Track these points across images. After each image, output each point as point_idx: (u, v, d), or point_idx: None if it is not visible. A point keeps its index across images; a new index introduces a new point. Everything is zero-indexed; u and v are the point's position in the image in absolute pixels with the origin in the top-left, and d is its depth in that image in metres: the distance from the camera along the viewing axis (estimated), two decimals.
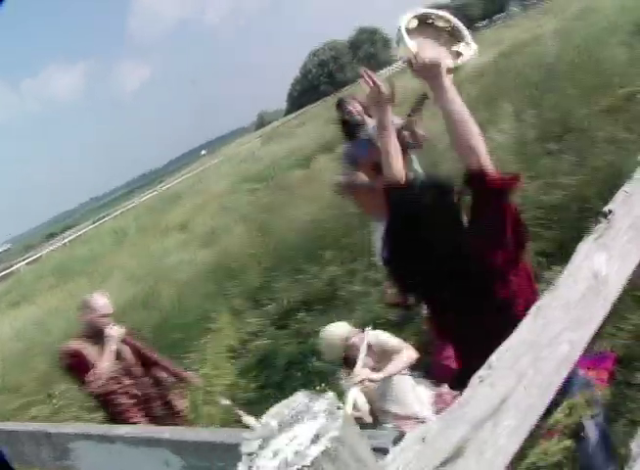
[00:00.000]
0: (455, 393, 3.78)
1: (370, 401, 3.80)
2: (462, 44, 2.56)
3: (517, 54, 13.25)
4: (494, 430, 0.95)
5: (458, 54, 2.54)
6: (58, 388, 6.82)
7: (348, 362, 3.84)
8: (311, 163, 14.36)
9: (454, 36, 2.59)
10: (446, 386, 3.69)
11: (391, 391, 3.69)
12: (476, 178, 2.28)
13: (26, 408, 6.93)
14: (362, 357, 3.70)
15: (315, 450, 0.73)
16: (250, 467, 0.75)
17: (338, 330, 3.99)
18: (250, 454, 0.77)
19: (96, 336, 4.14)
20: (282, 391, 5.08)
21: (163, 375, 4.38)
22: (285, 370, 5.55)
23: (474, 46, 2.55)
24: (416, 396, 3.72)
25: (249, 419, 3.95)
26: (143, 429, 1.65)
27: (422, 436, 0.88)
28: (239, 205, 14.69)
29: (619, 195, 1.51)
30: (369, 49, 67.15)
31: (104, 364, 4.05)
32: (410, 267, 2.45)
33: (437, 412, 3.54)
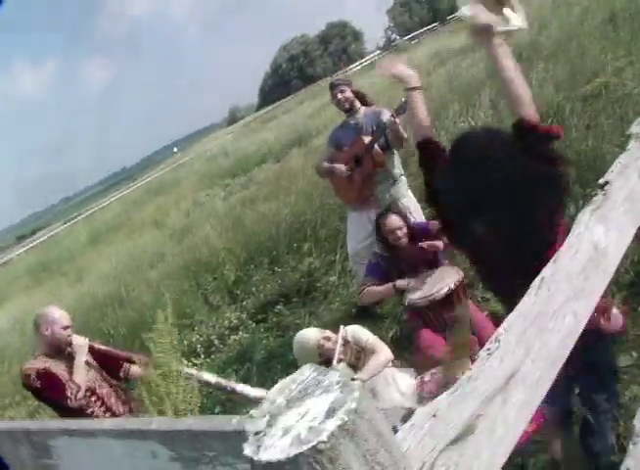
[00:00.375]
0: (438, 380, 3.78)
1: None
2: (510, 10, 2.78)
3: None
4: (504, 406, 0.91)
5: (507, 19, 2.75)
6: None
7: (325, 365, 3.78)
8: (284, 157, 14.32)
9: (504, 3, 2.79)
10: (428, 374, 3.66)
11: (372, 387, 3.65)
12: (525, 125, 2.59)
13: (3, 410, 6.83)
14: (337, 356, 3.66)
15: (331, 425, 0.67)
16: (258, 447, 0.69)
17: (309, 334, 3.91)
18: (257, 433, 0.71)
19: (58, 351, 3.97)
20: (263, 385, 5.03)
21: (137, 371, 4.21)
22: (265, 364, 5.50)
23: (522, 14, 2.78)
24: (397, 387, 3.69)
25: (204, 374, 3.90)
26: (128, 421, 1.58)
27: (432, 412, 0.83)
28: (212, 200, 14.63)
29: (616, 166, 1.48)
30: (339, 44, 67.11)
31: (79, 376, 3.90)
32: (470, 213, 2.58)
33: (420, 401, 3.52)
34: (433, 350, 3.89)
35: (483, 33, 2.69)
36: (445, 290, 3.84)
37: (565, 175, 2.64)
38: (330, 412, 0.69)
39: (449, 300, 3.88)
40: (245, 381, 5.53)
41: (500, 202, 2.44)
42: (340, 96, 5.16)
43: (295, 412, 0.71)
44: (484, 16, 2.69)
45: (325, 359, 3.75)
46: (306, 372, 0.78)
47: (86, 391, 3.87)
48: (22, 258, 28.13)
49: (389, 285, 4.22)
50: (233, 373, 5.53)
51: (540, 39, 9.81)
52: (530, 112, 2.62)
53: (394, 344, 4.38)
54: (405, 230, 4.30)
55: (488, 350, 0.96)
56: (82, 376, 3.89)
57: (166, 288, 8.45)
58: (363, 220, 5.10)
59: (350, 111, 5.17)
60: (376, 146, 4.95)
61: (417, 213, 5.02)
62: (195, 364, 5.84)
